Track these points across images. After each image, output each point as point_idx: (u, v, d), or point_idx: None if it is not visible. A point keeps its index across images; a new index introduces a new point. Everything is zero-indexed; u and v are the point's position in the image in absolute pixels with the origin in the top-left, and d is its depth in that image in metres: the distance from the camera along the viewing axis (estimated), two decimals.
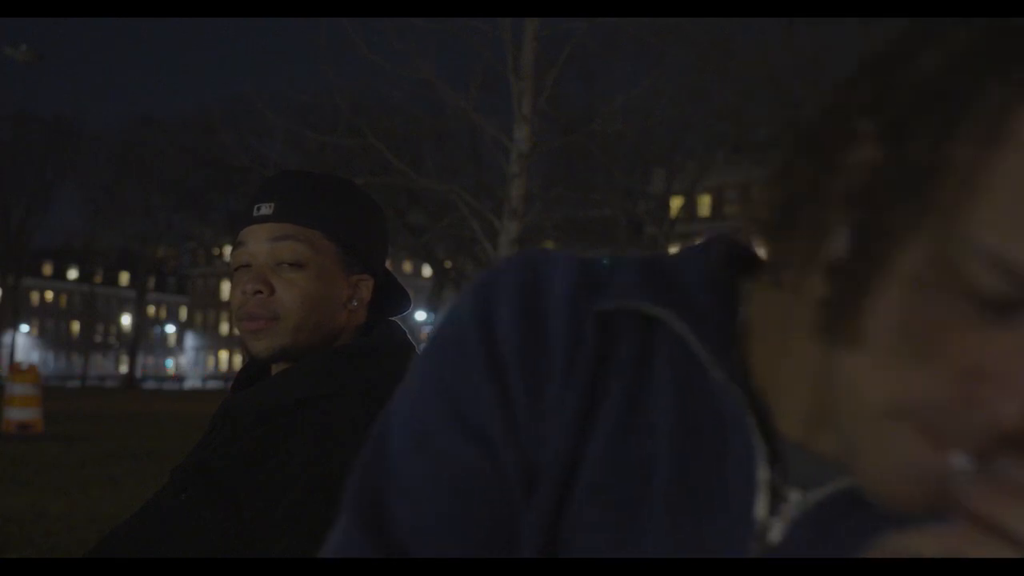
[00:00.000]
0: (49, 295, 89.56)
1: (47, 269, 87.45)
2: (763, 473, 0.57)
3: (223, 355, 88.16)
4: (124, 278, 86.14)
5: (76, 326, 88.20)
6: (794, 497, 0.57)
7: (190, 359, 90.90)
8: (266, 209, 1.44)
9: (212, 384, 66.68)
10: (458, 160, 33.12)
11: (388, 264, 1.57)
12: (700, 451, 0.58)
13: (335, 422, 1.35)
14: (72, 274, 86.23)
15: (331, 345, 1.46)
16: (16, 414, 13.65)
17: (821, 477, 0.57)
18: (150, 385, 66.43)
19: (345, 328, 1.47)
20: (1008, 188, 0.46)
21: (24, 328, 79.37)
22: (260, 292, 1.42)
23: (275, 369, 1.46)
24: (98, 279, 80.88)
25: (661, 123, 16.92)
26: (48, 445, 12.75)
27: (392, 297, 1.56)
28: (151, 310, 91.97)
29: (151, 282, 77.41)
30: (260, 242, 1.43)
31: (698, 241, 0.65)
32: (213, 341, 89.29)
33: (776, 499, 0.57)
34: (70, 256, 78.75)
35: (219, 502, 1.33)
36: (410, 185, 13.28)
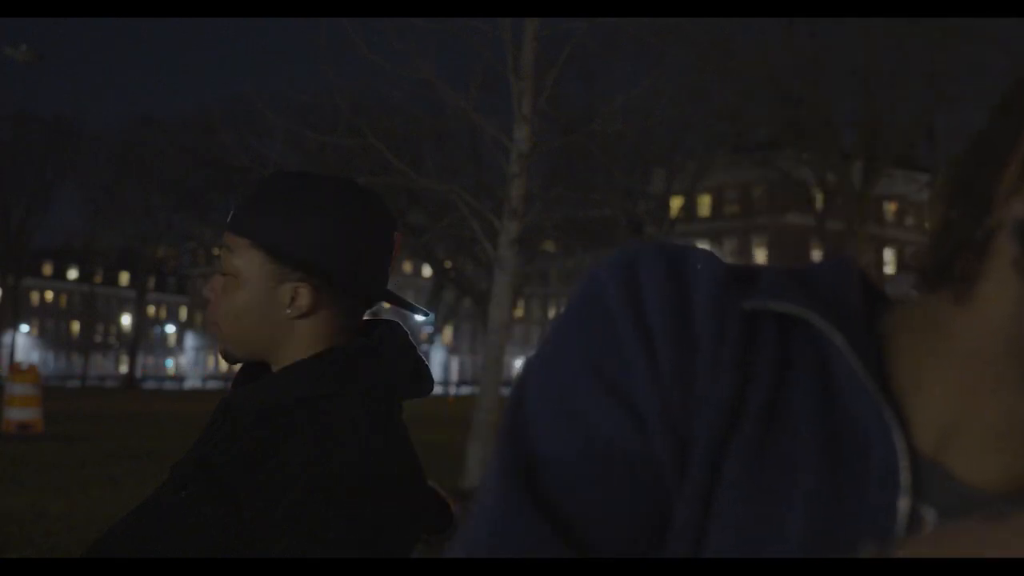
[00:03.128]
0: (49, 295, 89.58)
1: (47, 269, 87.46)
2: (905, 493, 0.57)
3: None
4: (124, 278, 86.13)
5: (76, 326, 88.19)
6: (931, 519, 0.57)
7: (190, 359, 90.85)
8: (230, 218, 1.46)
9: (212, 384, 66.64)
10: (458, 160, 33.11)
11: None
12: (841, 458, 0.58)
13: (335, 422, 1.35)
14: (72, 274, 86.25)
15: (275, 356, 1.43)
16: (16, 414, 13.65)
17: (953, 499, 0.57)
18: (150, 385, 66.42)
19: (292, 339, 1.42)
20: None
21: (24, 328, 79.32)
22: (210, 299, 1.45)
23: (275, 367, 1.46)
24: (98, 279, 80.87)
25: (661, 123, 16.92)
26: (48, 445, 12.75)
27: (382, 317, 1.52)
28: (151, 310, 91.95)
29: (151, 282, 77.36)
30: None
31: (824, 260, 0.65)
32: (213, 341, 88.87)
33: (914, 517, 0.57)
34: (70, 256, 78.75)
35: (219, 499, 1.33)
36: (410, 185, 13.28)
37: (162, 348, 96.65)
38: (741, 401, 0.58)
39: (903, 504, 0.56)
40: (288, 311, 1.41)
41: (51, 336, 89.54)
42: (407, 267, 74.75)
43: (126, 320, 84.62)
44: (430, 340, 53.23)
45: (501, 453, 0.60)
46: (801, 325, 0.60)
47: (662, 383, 0.58)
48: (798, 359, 0.60)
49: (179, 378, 78.45)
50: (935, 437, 0.58)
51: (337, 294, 1.43)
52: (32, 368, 14.34)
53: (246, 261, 1.41)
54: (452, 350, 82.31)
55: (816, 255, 49.90)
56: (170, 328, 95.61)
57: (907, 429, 0.58)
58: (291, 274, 1.40)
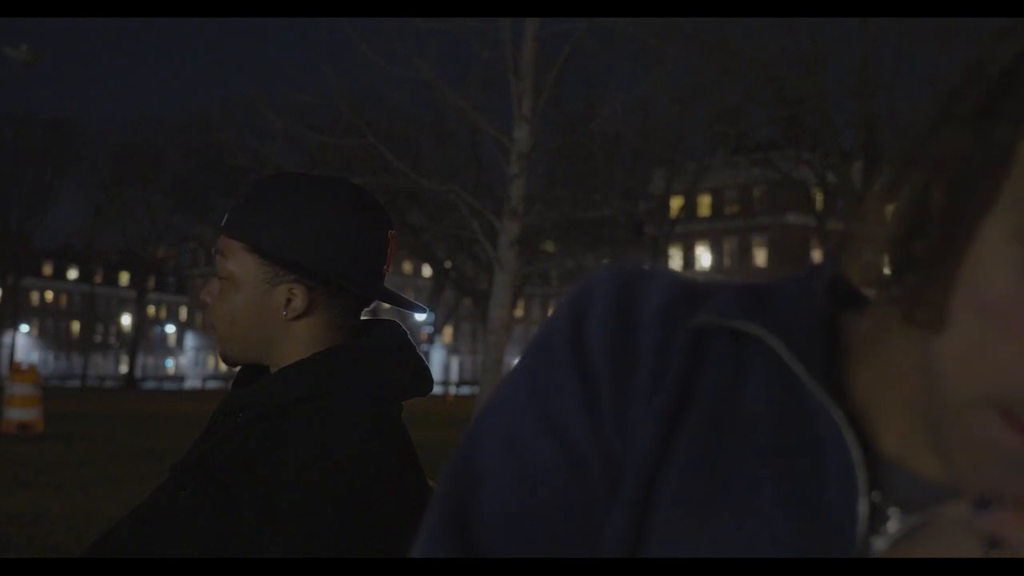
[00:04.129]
0: (49, 295, 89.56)
1: (47, 269, 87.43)
2: (864, 491, 0.57)
3: None
4: (124, 278, 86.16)
5: (76, 326, 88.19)
6: (894, 518, 0.57)
7: (190, 359, 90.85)
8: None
9: (212, 384, 66.66)
10: (458, 160, 33.12)
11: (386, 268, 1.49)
12: (797, 467, 0.58)
13: (334, 422, 1.35)
14: (72, 274, 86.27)
15: (273, 358, 1.44)
16: (16, 414, 13.64)
17: (918, 496, 0.57)
18: (150, 385, 66.43)
19: (289, 340, 1.43)
20: None
21: (24, 328, 79.35)
22: (208, 303, 1.46)
23: (274, 368, 1.46)
24: (98, 279, 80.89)
25: (661, 123, 16.94)
26: (48, 445, 12.75)
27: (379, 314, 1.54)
28: (151, 310, 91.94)
29: (151, 282, 77.38)
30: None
31: (803, 270, 0.66)
32: (213, 341, 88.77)
33: (876, 517, 0.57)
34: (70, 256, 78.86)
35: (219, 499, 1.33)
36: (410, 185, 13.28)
37: (162, 348, 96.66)
38: (682, 417, 0.60)
39: (862, 504, 0.56)
40: (284, 313, 1.41)
41: (51, 336, 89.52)
42: (407, 267, 74.80)
43: (126, 320, 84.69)
44: (430, 340, 53.25)
45: (443, 484, 0.63)
46: (753, 339, 0.61)
47: (596, 415, 0.60)
48: (750, 373, 0.61)
49: (179, 378, 78.44)
50: (899, 437, 0.58)
51: (333, 294, 1.43)
52: (32, 368, 14.33)
53: (240, 264, 1.41)
54: (452, 350, 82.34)
55: (816, 255, 49.86)
56: (170, 328, 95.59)
57: (867, 430, 0.58)
58: (285, 276, 1.40)
